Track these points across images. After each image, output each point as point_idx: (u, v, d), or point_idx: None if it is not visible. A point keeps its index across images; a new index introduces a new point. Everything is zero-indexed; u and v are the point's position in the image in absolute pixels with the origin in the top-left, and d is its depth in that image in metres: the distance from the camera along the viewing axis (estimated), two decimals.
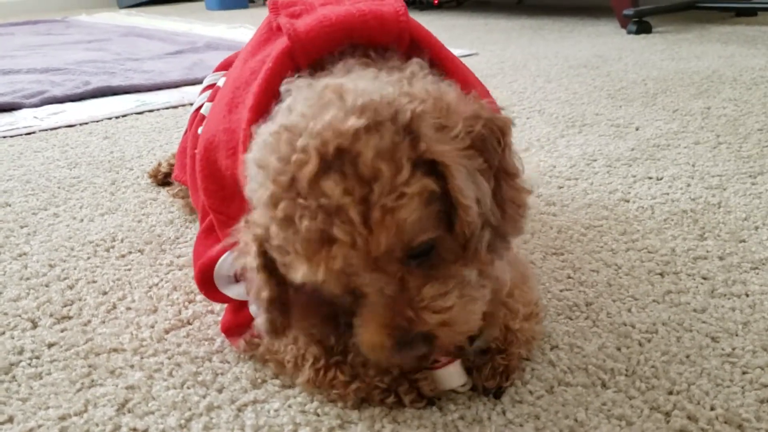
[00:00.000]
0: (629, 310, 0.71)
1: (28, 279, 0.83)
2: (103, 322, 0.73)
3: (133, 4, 4.76)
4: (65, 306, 0.76)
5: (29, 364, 0.66)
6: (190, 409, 0.58)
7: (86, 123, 1.58)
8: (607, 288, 0.76)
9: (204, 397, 0.60)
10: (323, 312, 0.57)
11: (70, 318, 0.74)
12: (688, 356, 0.63)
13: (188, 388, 0.61)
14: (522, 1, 3.77)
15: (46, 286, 0.81)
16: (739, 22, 2.70)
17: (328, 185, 0.44)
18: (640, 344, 0.65)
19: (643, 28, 2.49)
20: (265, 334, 0.55)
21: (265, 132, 0.50)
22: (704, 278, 0.78)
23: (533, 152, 1.25)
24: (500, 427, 0.55)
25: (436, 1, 3.81)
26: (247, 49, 0.68)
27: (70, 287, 0.80)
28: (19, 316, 0.74)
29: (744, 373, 0.61)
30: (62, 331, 0.71)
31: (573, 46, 2.34)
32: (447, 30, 2.92)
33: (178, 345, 0.68)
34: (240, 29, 3.22)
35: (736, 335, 0.66)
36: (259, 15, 3.91)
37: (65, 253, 0.90)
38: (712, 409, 0.56)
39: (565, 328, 0.69)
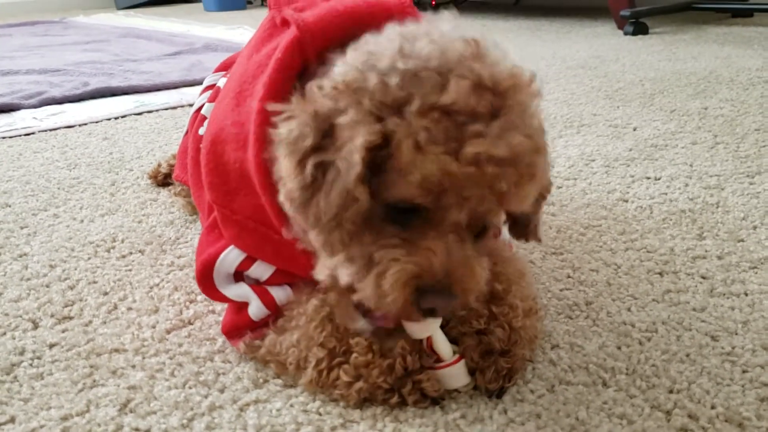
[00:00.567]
0: (629, 309, 0.72)
1: (28, 279, 0.83)
2: (105, 322, 0.73)
3: (130, 6, 4.75)
4: (66, 306, 0.76)
5: (31, 365, 0.66)
6: (192, 409, 0.58)
7: (85, 124, 1.58)
8: (607, 287, 0.77)
9: (206, 396, 0.60)
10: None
11: (71, 318, 0.74)
12: (688, 355, 0.64)
13: (190, 387, 0.61)
14: (519, 2, 3.78)
15: (47, 286, 0.81)
16: (735, 23, 2.71)
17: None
18: (640, 343, 0.66)
19: (640, 29, 2.50)
20: (325, 250, 0.51)
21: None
22: (703, 277, 0.78)
23: None
24: (502, 425, 0.55)
25: (433, 2, 3.82)
26: (250, 46, 0.68)
27: (71, 288, 0.80)
28: (20, 316, 0.74)
29: (744, 371, 0.61)
30: (63, 331, 0.71)
31: (570, 46, 2.35)
32: None
33: (180, 345, 0.68)
34: (238, 30, 3.22)
35: (736, 334, 0.67)
36: (257, 16, 3.92)
37: (66, 253, 0.90)
38: (712, 407, 0.57)
39: (566, 327, 0.69)
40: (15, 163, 1.30)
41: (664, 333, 0.67)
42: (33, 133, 1.51)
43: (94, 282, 0.82)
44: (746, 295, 0.74)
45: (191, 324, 0.72)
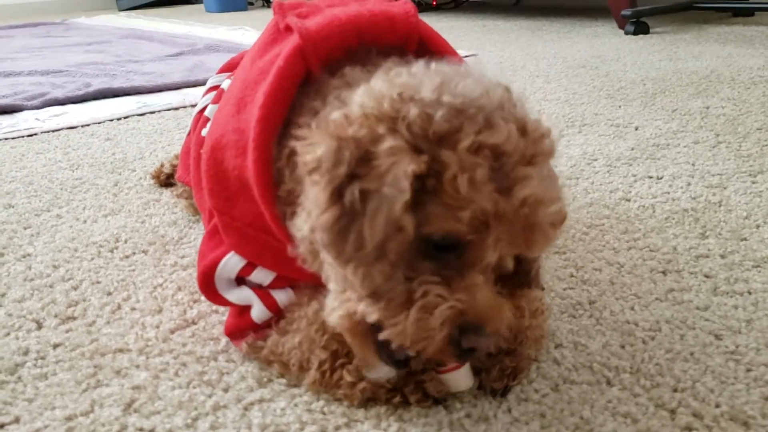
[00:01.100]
0: (632, 308, 0.72)
1: (32, 280, 0.83)
2: (108, 322, 0.73)
3: (132, 7, 4.75)
4: (70, 307, 0.76)
5: (35, 365, 0.66)
6: (196, 409, 0.59)
7: (88, 124, 1.58)
8: (610, 286, 0.77)
9: (210, 396, 0.60)
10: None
11: (74, 318, 0.74)
12: (692, 354, 0.64)
13: (194, 387, 0.61)
14: (520, 2, 3.78)
15: (51, 287, 0.81)
16: (736, 22, 2.71)
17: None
18: (644, 342, 0.66)
19: (641, 29, 2.49)
20: (363, 283, 0.48)
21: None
22: (706, 276, 0.78)
23: None
24: (506, 425, 0.55)
25: (434, 3, 3.82)
26: (254, 50, 0.68)
27: (75, 288, 0.81)
28: (24, 317, 0.74)
29: (748, 370, 0.61)
30: (67, 331, 0.71)
31: (571, 46, 2.35)
32: (445, 31, 2.91)
33: (184, 345, 0.68)
34: (239, 31, 3.22)
35: (740, 333, 0.67)
36: (259, 17, 3.92)
37: (69, 254, 0.90)
38: (717, 406, 0.57)
39: (569, 327, 0.69)
40: (18, 164, 1.30)
41: (668, 332, 0.67)
42: (36, 134, 1.51)
43: (98, 282, 0.82)
44: (750, 293, 0.74)
45: (195, 324, 0.72)
